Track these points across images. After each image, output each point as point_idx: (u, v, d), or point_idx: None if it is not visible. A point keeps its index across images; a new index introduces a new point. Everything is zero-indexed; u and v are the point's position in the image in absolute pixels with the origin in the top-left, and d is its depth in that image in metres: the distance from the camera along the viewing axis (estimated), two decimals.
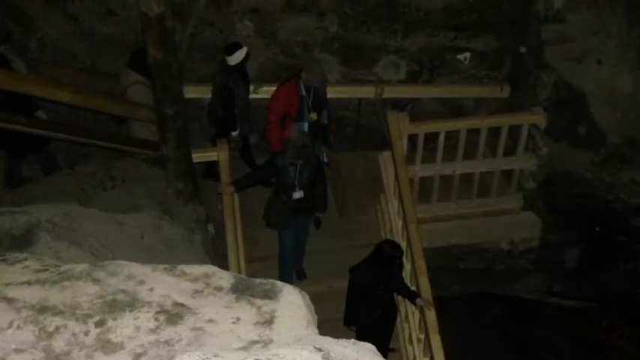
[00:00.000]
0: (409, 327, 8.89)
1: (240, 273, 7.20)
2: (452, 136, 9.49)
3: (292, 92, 9.04)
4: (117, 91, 9.17)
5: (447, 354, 7.96)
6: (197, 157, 8.68)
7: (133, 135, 9.11)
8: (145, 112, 8.19)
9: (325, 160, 9.40)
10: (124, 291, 2.56)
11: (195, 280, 2.61)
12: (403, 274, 8.66)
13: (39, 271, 2.79)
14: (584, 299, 11.25)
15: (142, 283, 2.60)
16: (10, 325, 2.40)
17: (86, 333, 2.38)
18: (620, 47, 9.21)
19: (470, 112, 10.65)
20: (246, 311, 2.44)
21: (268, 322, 2.40)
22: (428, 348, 8.11)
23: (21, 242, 4.98)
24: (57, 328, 2.39)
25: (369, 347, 2.32)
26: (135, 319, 2.42)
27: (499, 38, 10.26)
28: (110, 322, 2.41)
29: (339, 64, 10.31)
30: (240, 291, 2.55)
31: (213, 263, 4.41)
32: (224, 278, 2.63)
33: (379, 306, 8.30)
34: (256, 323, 2.39)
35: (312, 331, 2.43)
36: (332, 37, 10.11)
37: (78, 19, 9.94)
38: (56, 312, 2.46)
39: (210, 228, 8.96)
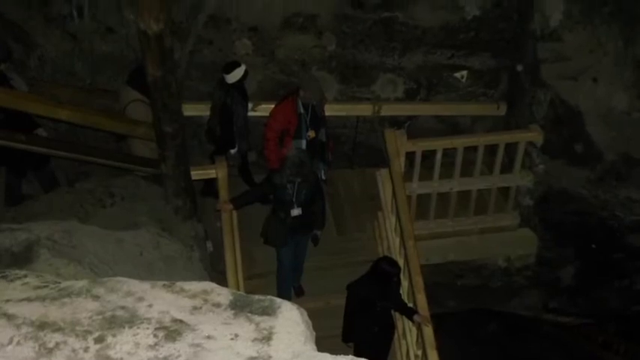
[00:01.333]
0: (407, 343, 8.89)
1: (238, 290, 7.21)
2: (449, 154, 9.54)
3: (290, 110, 9.08)
4: (116, 108, 9.20)
5: None
6: (196, 174, 8.71)
7: (133, 152, 9.14)
8: (144, 130, 8.21)
9: (323, 177, 9.44)
10: (123, 307, 2.56)
11: (193, 296, 2.62)
12: (401, 291, 8.66)
13: (39, 287, 2.79)
14: (580, 315, 11.27)
15: (141, 299, 2.61)
16: (10, 342, 2.39)
17: (86, 349, 2.38)
18: (615, 65, 9.25)
19: (467, 130, 10.69)
20: (245, 327, 2.44)
21: (266, 338, 2.40)
22: None
23: (21, 259, 5.00)
24: (57, 344, 2.39)
25: None
26: (134, 335, 2.41)
27: (496, 56, 10.31)
28: (110, 339, 2.41)
29: (337, 82, 10.35)
30: (238, 307, 2.56)
31: (211, 280, 4.43)
32: (222, 295, 2.64)
33: (377, 322, 8.31)
34: (255, 339, 2.39)
35: (310, 348, 2.44)
36: (330, 55, 10.15)
37: (77, 37, 9.97)
38: (56, 328, 2.45)
39: (209, 245, 8.97)
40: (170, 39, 6.97)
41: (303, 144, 9.12)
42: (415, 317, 8.17)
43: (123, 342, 2.40)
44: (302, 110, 9.09)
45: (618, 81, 9.25)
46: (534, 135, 9.53)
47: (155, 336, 2.40)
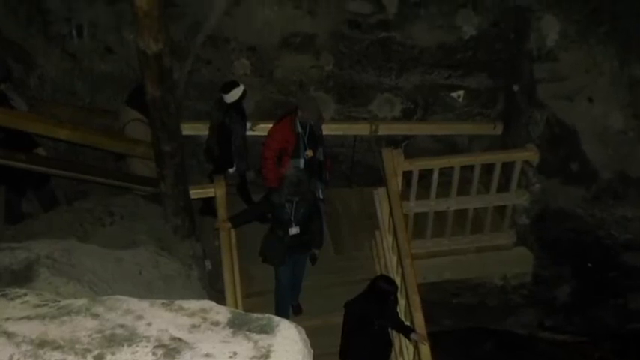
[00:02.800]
0: None
1: (236, 308, 7.21)
2: (446, 173, 9.56)
3: (288, 130, 9.11)
4: (116, 127, 9.23)
5: None
6: (194, 193, 8.73)
7: (132, 172, 9.17)
8: (143, 149, 8.25)
9: (321, 196, 9.46)
10: (122, 325, 2.56)
11: (192, 314, 2.63)
12: (398, 309, 8.68)
13: (38, 305, 2.80)
14: (576, 334, 11.25)
15: (140, 317, 2.61)
16: None
17: None
18: (611, 85, 9.30)
19: (463, 150, 10.72)
20: (243, 345, 2.45)
21: (265, 356, 2.41)
22: None
23: (21, 277, 5.02)
24: None
25: None
26: (133, 353, 2.42)
27: (492, 76, 10.35)
28: (109, 357, 2.41)
29: (334, 101, 10.38)
30: (236, 326, 2.56)
31: (210, 298, 4.44)
32: (221, 313, 2.65)
33: (374, 340, 8.32)
34: (253, 357, 2.40)
35: None
36: (327, 75, 10.18)
37: (77, 57, 10.03)
38: (55, 346, 2.45)
39: (207, 263, 8.98)
40: (169, 59, 7.01)
41: (301, 163, 9.15)
42: (412, 335, 8.18)
43: None
44: (300, 130, 9.12)
45: (614, 100, 9.31)
46: (531, 154, 9.57)
47: (154, 354, 2.41)
